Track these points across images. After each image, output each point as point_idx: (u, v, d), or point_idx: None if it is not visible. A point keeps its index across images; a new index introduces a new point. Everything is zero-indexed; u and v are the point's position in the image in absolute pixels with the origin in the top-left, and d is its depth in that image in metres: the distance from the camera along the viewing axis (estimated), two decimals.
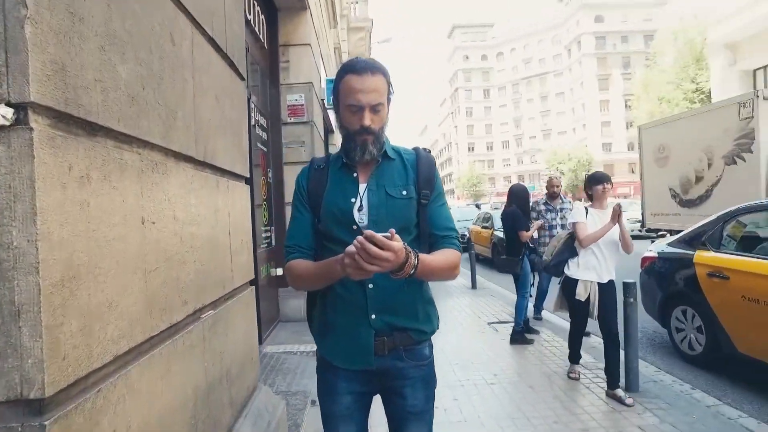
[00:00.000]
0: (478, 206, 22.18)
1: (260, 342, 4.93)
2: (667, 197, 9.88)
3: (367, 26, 18.35)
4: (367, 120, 1.38)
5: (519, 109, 77.45)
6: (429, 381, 1.56)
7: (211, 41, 1.91)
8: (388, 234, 1.17)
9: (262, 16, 5.54)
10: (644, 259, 5.14)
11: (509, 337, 5.16)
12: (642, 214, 11.15)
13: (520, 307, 5.14)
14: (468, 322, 6.07)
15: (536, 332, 5.41)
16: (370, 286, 1.42)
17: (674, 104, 25.95)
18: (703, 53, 23.92)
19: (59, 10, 0.94)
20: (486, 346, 5.05)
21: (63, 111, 0.95)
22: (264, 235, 5.51)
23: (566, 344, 4.97)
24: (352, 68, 1.38)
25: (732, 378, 4.09)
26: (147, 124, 1.30)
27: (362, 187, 1.46)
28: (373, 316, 1.43)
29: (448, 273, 1.46)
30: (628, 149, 58.80)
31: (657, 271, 4.91)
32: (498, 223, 9.95)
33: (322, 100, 8.12)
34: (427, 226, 1.51)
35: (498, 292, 8.22)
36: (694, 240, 4.55)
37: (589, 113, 62.28)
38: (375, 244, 1.14)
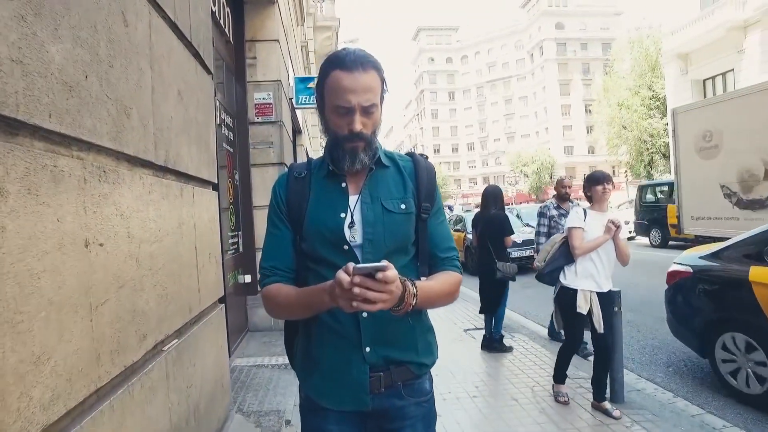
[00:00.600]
0: (450, 208, 22.14)
1: (228, 355, 4.61)
2: (716, 197, 8.06)
3: (334, 25, 18.03)
4: (358, 124, 1.16)
5: (484, 111, 78.63)
6: (431, 419, 1.35)
7: (173, 26, 1.63)
8: (382, 264, 0.97)
9: (227, 9, 5.21)
10: (672, 275, 4.29)
11: (483, 344, 5.00)
12: (678, 218, 9.26)
13: (501, 315, 4.98)
14: (444, 329, 5.91)
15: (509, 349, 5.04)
16: (364, 314, 1.20)
17: (633, 110, 26.89)
18: (658, 62, 24.90)
19: None
20: (465, 355, 4.90)
21: None
22: (231, 240, 5.19)
23: (545, 351, 4.90)
24: (340, 63, 1.15)
25: (712, 386, 4.08)
26: (91, 122, 1.03)
27: (353, 199, 1.24)
28: (368, 349, 1.22)
29: (448, 299, 1.29)
30: (589, 152, 60.74)
31: (693, 289, 4.00)
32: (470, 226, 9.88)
33: (291, 99, 7.81)
34: (427, 245, 1.31)
35: (471, 297, 8.12)
36: (747, 252, 3.67)
37: (551, 117, 63.86)
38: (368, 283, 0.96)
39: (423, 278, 1.31)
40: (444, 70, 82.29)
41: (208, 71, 2.16)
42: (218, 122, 4.76)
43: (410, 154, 1.37)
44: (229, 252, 4.95)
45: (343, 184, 1.25)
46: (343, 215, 1.22)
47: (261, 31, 6.10)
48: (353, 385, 1.22)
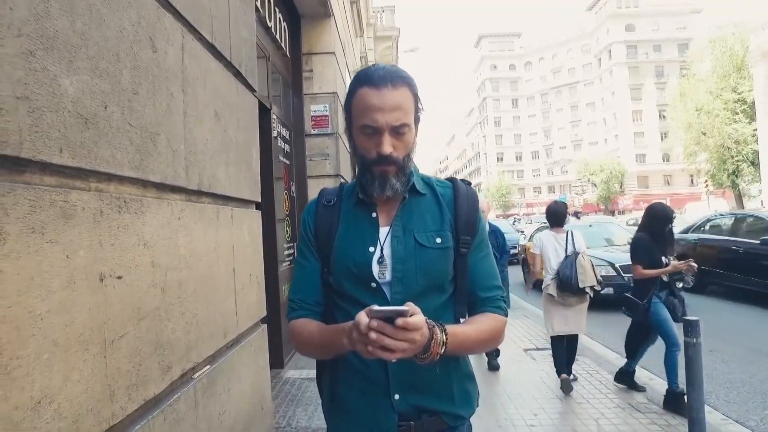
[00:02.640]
0: (515, 220, 20.93)
1: (282, 366, 4.65)
2: None
3: (394, 35, 18.18)
4: (387, 146, 1.05)
5: (548, 119, 76.03)
6: None
7: (210, 48, 1.63)
8: (404, 309, 0.86)
9: (284, 23, 5.33)
10: None
11: (616, 374, 4.30)
12: None
13: (673, 363, 3.75)
14: (502, 347, 5.63)
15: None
16: (393, 360, 1.09)
17: (714, 115, 24.82)
18: (745, 62, 22.82)
19: None
20: (524, 377, 4.62)
21: None
22: (287, 252, 5.27)
23: (611, 378, 4.51)
24: (367, 79, 1.06)
25: None
26: (111, 152, 1.01)
27: (383, 231, 1.13)
28: (396, 397, 1.10)
29: (487, 346, 1.18)
30: (663, 160, 56.87)
31: None
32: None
33: None
34: (466, 284, 1.17)
35: (534, 314, 7.72)
36: None
37: (621, 123, 60.47)
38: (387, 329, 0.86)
39: (462, 320, 1.18)
40: (507, 77, 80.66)
41: (252, 89, 2.16)
42: (275, 135, 4.86)
43: (451, 180, 1.25)
44: (284, 263, 5.02)
45: (374, 214, 1.15)
46: (372, 249, 1.12)
47: (317, 44, 6.20)
48: None
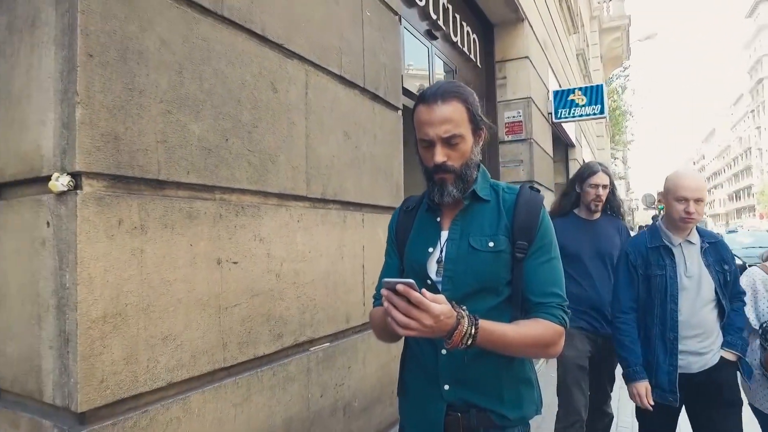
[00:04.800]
0: None
1: None
2: None
3: (623, 25, 16.30)
4: (440, 156, 1.18)
5: None
6: None
7: (339, 79, 1.97)
8: (410, 281, 0.97)
9: (473, 36, 5.53)
10: None
11: None
12: None
13: None
14: None
15: None
16: (443, 351, 1.21)
17: None
18: None
19: (115, 89, 1.11)
20: None
21: (115, 174, 1.11)
22: None
23: None
24: (422, 97, 1.22)
25: None
26: (229, 173, 1.42)
27: (444, 234, 1.26)
28: (447, 387, 1.22)
29: (534, 350, 1.18)
30: None
31: None
32: None
33: (549, 113, 7.58)
34: (521, 288, 1.20)
35: None
36: None
37: None
38: (394, 300, 0.98)
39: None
40: None
41: (393, 107, 2.45)
42: None
43: (521, 186, 1.30)
44: None
45: (438, 219, 1.30)
46: (430, 250, 1.27)
47: (511, 50, 6.19)
48: (430, 420, 1.25)
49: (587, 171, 2.69)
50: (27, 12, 1.12)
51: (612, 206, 2.76)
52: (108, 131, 1.10)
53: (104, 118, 1.09)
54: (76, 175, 1.06)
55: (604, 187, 2.63)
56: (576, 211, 2.75)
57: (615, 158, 25.97)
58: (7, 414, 1.17)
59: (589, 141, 14.18)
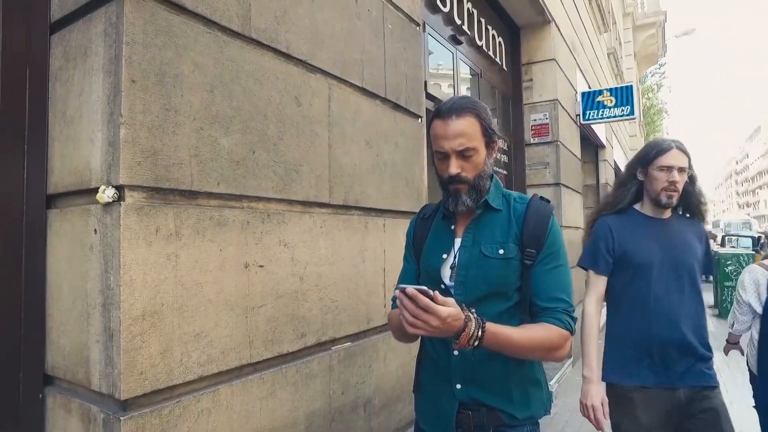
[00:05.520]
0: None
1: None
2: None
3: (658, 21, 15.84)
4: (454, 168, 1.26)
5: None
6: None
7: (361, 91, 2.06)
8: (425, 288, 1.04)
9: (499, 39, 5.53)
10: None
11: None
12: None
13: None
14: None
15: None
16: (456, 352, 1.29)
17: None
18: None
19: (154, 110, 1.23)
20: None
21: (153, 186, 1.23)
22: None
23: None
24: (437, 112, 1.30)
25: None
26: (257, 183, 1.53)
27: (458, 242, 1.34)
28: (458, 386, 1.30)
29: (539, 353, 1.23)
30: None
31: None
32: None
33: (578, 115, 7.49)
34: (529, 293, 1.27)
35: None
36: None
37: None
38: (405, 301, 1.06)
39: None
40: None
41: (414, 115, 2.52)
42: None
43: (532, 197, 1.36)
44: None
45: (452, 226, 1.37)
46: (444, 256, 1.35)
47: (537, 52, 6.16)
48: (443, 416, 1.33)
49: (655, 149, 1.86)
50: (80, 42, 1.26)
51: (688, 202, 1.91)
52: (147, 148, 1.22)
53: (144, 136, 1.21)
54: (119, 188, 1.19)
55: (681, 170, 1.81)
56: (637, 206, 1.94)
57: None
58: (61, 399, 1.32)
59: (620, 141, 13.85)
